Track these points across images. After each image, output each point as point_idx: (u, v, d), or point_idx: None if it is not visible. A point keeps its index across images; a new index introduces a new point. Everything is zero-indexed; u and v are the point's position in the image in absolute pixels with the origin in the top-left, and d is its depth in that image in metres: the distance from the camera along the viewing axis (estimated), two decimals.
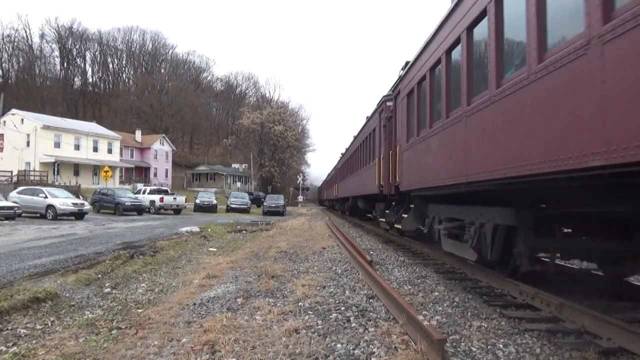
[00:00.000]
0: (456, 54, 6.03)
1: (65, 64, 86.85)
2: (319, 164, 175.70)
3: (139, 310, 5.48)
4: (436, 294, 5.67)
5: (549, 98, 3.67)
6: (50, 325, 5.00)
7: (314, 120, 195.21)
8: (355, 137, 19.80)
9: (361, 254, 8.39)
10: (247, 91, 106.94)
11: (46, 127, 45.29)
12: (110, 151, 52.66)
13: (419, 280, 6.59)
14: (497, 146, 4.63)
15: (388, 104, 11.29)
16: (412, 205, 9.45)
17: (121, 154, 55.84)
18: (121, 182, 50.43)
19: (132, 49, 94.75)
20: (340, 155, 29.55)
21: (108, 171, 34.22)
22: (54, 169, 43.69)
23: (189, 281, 7.27)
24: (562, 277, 6.30)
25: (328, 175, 45.59)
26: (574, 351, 3.51)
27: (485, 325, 4.24)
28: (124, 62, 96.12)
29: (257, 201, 45.14)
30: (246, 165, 75.05)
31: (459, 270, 7.34)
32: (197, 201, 35.22)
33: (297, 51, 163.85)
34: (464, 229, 6.44)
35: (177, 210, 30.33)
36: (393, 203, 11.24)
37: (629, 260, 5.12)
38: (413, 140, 8.24)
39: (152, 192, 31.25)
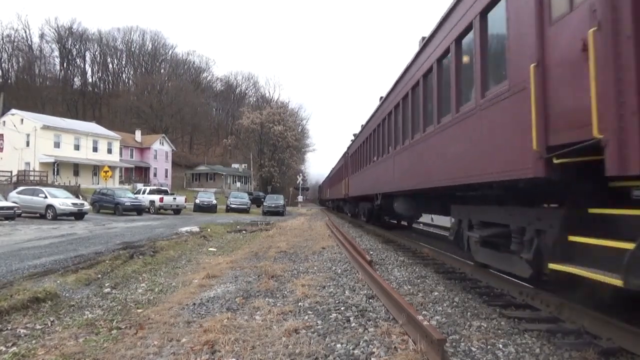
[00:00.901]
0: None
1: (65, 64, 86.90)
2: (319, 164, 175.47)
3: (139, 310, 5.48)
4: (436, 294, 5.68)
5: None
6: (50, 325, 5.00)
7: (314, 120, 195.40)
8: (395, 85, 10.44)
9: (361, 254, 8.40)
10: (247, 91, 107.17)
11: (46, 127, 45.27)
12: (110, 151, 52.64)
13: (418, 280, 6.59)
14: None
15: None
16: None
17: (121, 154, 55.81)
18: (121, 182, 50.41)
19: (132, 49, 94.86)
20: (353, 138, 21.22)
21: (108, 171, 34.20)
22: (54, 169, 43.66)
23: (188, 281, 7.26)
24: None
25: (332, 171, 37.67)
26: (574, 351, 3.52)
27: (485, 325, 4.24)
28: (123, 62, 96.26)
29: (256, 201, 45.14)
30: (246, 165, 75.05)
31: (459, 270, 7.34)
32: (197, 201, 35.20)
33: (297, 51, 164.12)
34: None
35: (177, 210, 30.32)
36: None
37: None
38: None
39: (151, 192, 31.23)
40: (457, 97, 6.04)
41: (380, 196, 12.86)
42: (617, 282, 3.01)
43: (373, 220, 17.79)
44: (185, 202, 31.69)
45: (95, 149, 50.63)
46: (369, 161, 14.80)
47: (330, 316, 4.60)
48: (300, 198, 54.22)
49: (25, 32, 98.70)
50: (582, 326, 4.03)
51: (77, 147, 48.29)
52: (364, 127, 16.86)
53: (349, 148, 22.55)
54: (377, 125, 13.17)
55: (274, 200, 36.92)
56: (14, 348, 4.17)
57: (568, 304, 4.39)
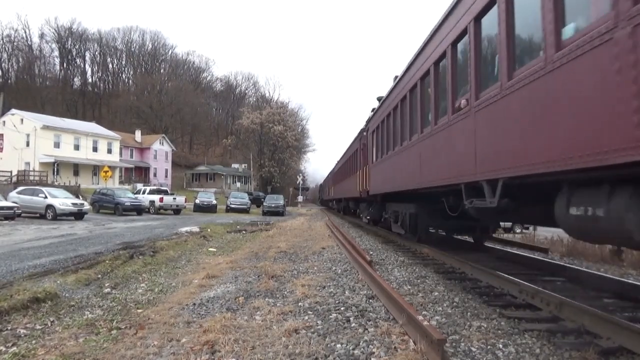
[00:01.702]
0: None
1: (64, 64, 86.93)
2: (319, 164, 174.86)
3: (139, 311, 5.48)
4: (436, 294, 5.67)
5: None
6: (50, 325, 5.00)
7: (314, 120, 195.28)
8: None
9: (361, 254, 8.39)
10: (247, 91, 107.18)
11: (46, 127, 45.28)
12: (109, 151, 52.66)
13: (418, 281, 6.59)
14: None
15: None
16: None
17: (121, 154, 55.83)
18: (121, 182, 50.42)
19: (132, 49, 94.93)
20: (375, 107, 13.83)
21: (108, 171, 34.19)
22: (54, 169, 43.67)
23: (188, 281, 7.27)
24: None
25: (337, 164, 30.83)
26: (574, 351, 3.52)
27: (485, 325, 4.24)
28: (123, 62, 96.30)
29: (256, 201, 45.13)
30: (246, 165, 75.05)
31: (459, 270, 7.34)
32: (197, 201, 35.22)
33: (297, 51, 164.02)
34: None
35: (177, 211, 30.31)
36: None
37: None
38: None
39: (151, 192, 31.24)
40: None
41: (499, 186, 4.99)
42: None
43: (423, 237, 10.27)
44: (185, 202, 31.69)
45: (95, 149, 50.65)
46: (424, 125, 7.86)
47: (330, 316, 4.60)
48: (300, 198, 54.23)
49: (25, 32, 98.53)
50: (582, 325, 4.03)
51: (77, 147, 48.32)
52: (404, 73, 9.37)
53: (369, 123, 15.00)
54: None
55: (274, 200, 36.92)
56: (14, 348, 4.17)
57: (568, 302, 4.39)
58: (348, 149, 22.75)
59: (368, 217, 17.54)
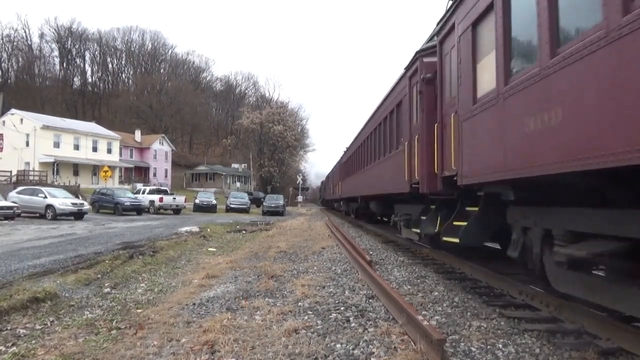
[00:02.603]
0: None
1: (64, 63, 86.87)
2: (319, 164, 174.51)
3: (139, 310, 5.48)
4: (436, 294, 5.67)
5: None
6: (49, 325, 5.00)
7: (314, 120, 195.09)
8: None
9: (360, 254, 8.40)
10: (246, 91, 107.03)
11: (45, 127, 45.25)
12: (109, 151, 52.63)
13: (418, 280, 6.59)
14: None
15: None
16: None
17: (120, 154, 55.79)
18: (120, 182, 50.39)
19: (132, 49, 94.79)
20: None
21: (107, 171, 34.16)
22: (54, 169, 43.65)
23: (188, 281, 7.27)
24: None
25: (347, 151, 23.09)
26: (574, 351, 3.52)
27: (485, 325, 4.24)
28: (123, 62, 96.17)
29: (256, 201, 45.09)
30: (246, 165, 75.03)
31: (459, 270, 7.35)
32: (197, 201, 35.22)
33: (297, 51, 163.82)
34: None
35: (177, 210, 30.31)
36: None
37: None
38: None
39: (151, 192, 31.26)
40: None
41: None
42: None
43: None
44: (185, 202, 31.70)
45: (94, 149, 50.62)
46: None
47: (330, 316, 4.60)
48: (300, 198, 54.23)
49: (25, 31, 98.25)
50: (582, 326, 4.03)
51: (76, 147, 48.28)
52: None
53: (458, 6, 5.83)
54: None
55: (274, 200, 36.92)
56: (14, 348, 4.17)
57: (568, 303, 4.39)
58: (375, 113, 13.71)
59: (445, 238, 6.72)
